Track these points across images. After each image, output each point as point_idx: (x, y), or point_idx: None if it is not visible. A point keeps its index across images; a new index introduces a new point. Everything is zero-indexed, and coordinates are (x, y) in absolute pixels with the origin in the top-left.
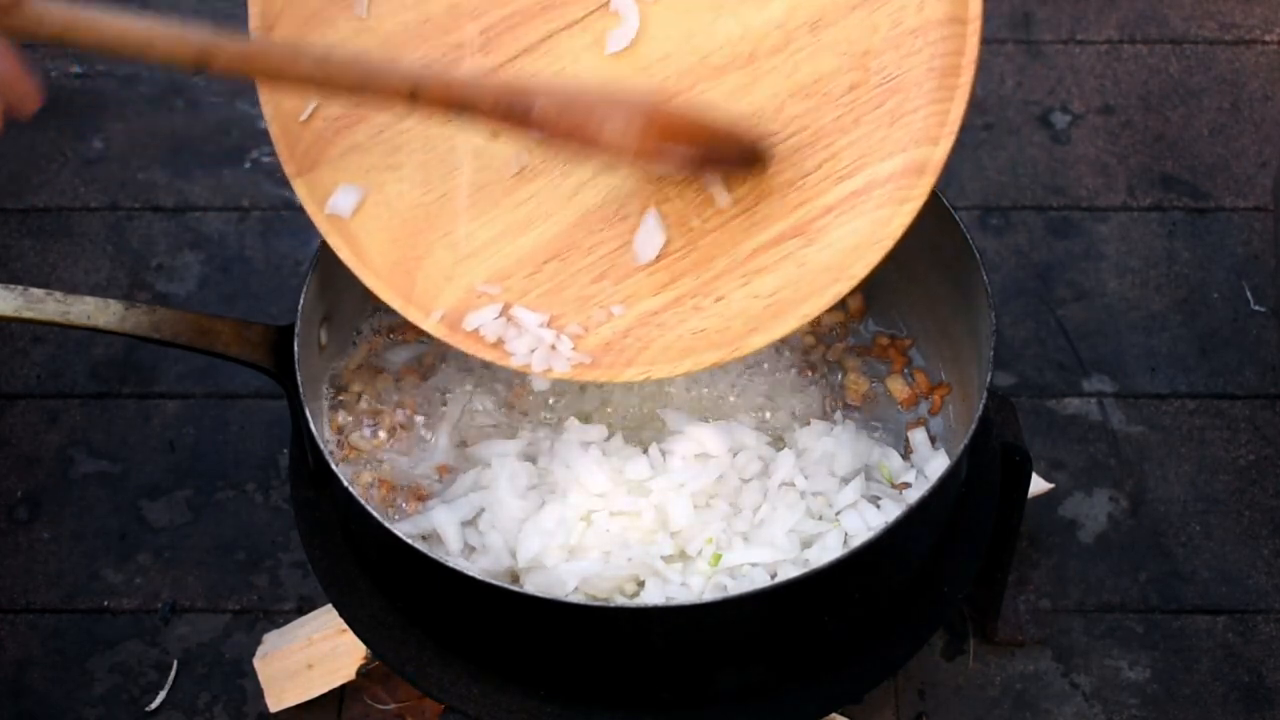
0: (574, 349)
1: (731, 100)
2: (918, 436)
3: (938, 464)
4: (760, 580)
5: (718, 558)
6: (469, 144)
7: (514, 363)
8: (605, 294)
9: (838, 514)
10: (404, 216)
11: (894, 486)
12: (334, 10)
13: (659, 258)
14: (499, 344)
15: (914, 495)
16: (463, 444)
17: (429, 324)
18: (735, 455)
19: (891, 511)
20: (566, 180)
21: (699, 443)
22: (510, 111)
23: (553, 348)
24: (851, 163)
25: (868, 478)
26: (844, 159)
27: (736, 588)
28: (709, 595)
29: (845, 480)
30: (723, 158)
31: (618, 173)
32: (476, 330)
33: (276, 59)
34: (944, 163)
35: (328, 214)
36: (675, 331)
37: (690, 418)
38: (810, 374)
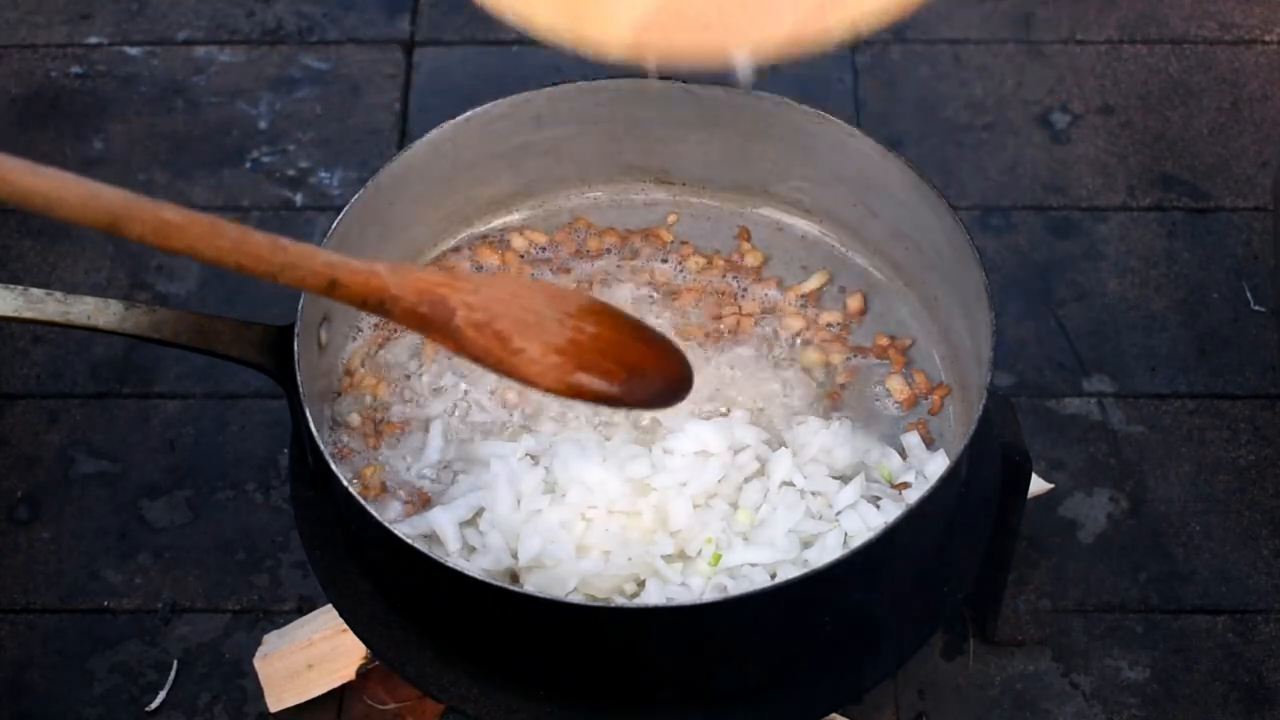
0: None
1: None
2: (911, 440)
3: (937, 464)
4: (760, 580)
5: (718, 558)
6: None
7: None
8: None
9: (838, 514)
10: None
11: (894, 487)
12: None
13: None
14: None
15: (914, 495)
16: (462, 443)
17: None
18: (736, 454)
19: (891, 512)
20: None
21: (699, 440)
22: (428, 319)
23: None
24: None
25: (867, 478)
26: None
27: (736, 588)
28: (709, 595)
29: (844, 479)
30: (643, 396)
31: None
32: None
33: (195, 233)
34: None
35: None
36: None
37: (689, 416)
38: (806, 371)
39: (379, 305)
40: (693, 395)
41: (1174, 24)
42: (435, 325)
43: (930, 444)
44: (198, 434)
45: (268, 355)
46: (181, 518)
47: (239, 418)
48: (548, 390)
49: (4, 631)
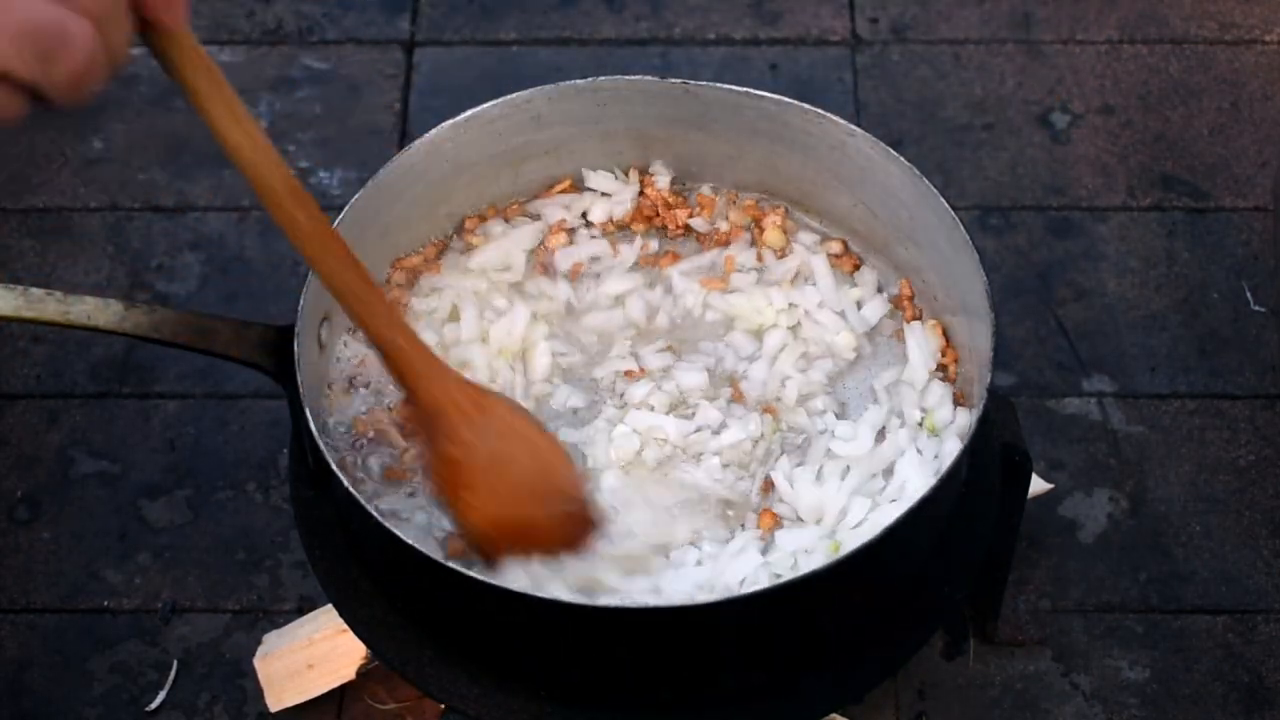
0: None
1: None
2: (936, 391)
3: (938, 463)
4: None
5: (836, 545)
6: None
7: None
8: None
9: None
10: None
11: (934, 434)
12: None
13: None
14: None
15: (914, 495)
16: None
17: None
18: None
19: (892, 512)
20: None
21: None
22: (428, 426)
23: None
24: None
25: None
26: None
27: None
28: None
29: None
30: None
31: None
32: None
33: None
34: None
35: None
36: None
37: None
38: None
39: (408, 382)
40: (691, 363)
41: (1174, 24)
42: (428, 437)
43: (956, 401)
44: (198, 434)
45: (268, 355)
46: (181, 517)
47: (239, 418)
48: (464, 535)
49: (4, 631)
